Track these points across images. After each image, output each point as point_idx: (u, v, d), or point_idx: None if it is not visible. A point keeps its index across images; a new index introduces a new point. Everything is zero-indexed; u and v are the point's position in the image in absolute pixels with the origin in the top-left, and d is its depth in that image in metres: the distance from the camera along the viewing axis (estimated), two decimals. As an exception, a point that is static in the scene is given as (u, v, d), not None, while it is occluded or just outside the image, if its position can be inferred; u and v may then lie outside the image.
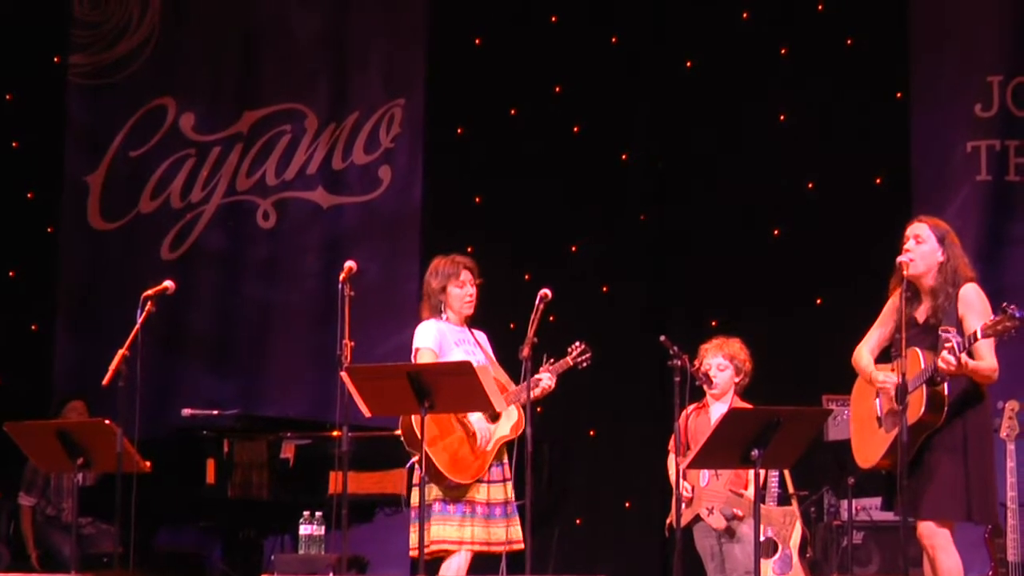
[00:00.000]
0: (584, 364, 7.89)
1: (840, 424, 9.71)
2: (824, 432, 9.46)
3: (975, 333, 6.89)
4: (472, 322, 7.85)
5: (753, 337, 8.73)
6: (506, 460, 7.66)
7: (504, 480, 7.65)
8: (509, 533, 7.58)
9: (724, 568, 8.43)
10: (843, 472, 8.59)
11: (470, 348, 7.71)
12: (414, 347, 7.71)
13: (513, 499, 7.63)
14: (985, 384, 7.12)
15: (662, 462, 8.70)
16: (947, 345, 6.94)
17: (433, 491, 7.51)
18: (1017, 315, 6.74)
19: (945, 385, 7.03)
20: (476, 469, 7.56)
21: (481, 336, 7.86)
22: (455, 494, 7.53)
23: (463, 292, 7.77)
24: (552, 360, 7.79)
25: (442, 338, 7.67)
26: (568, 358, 7.85)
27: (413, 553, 7.44)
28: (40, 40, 12.16)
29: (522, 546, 7.52)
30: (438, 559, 7.58)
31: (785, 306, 11.20)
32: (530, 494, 7.39)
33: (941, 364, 6.93)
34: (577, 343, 7.89)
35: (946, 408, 7.04)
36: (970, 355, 6.97)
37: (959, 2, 11.34)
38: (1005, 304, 6.81)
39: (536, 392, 7.62)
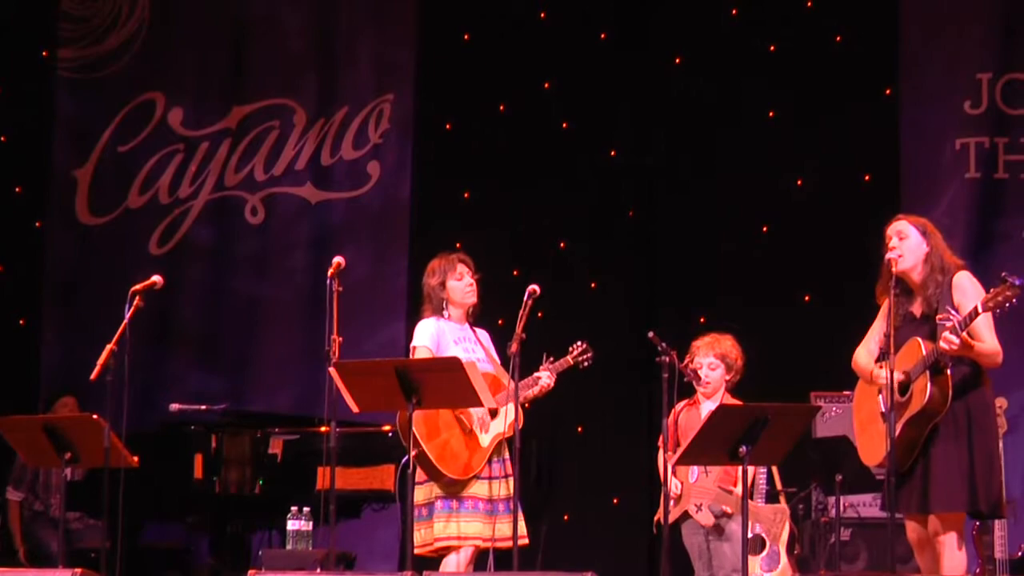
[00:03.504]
0: (586, 363, 7.92)
1: (828, 421, 9.72)
2: (812, 429, 9.45)
3: (976, 308, 6.86)
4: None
5: (741, 334, 8.71)
6: (507, 456, 7.65)
7: (506, 476, 7.62)
8: (501, 529, 7.55)
9: (711, 565, 8.41)
10: (831, 469, 8.57)
11: (470, 346, 7.71)
12: (411, 345, 7.73)
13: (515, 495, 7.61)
14: (988, 367, 7.11)
15: (650, 459, 8.69)
16: (947, 325, 6.91)
17: (434, 489, 7.51)
18: (1017, 283, 6.70)
19: (949, 371, 7.01)
20: (471, 466, 7.54)
21: (483, 334, 7.86)
22: (454, 491, 7.52)
23: (462, 284, 7.77)
24: (552, 359, 7.79)
25: (440, 336, 7.67)
26: (569, 357, 7.87)
27: (418, 551, 7.43)
28: (28, 34, 12.11)
29: (512, 543, 7.48)
30: (438, 557, 7.56)
31: (773, 303, 11.19)
32: (517, 491, 7.40)
33: (943, 345, 6.89)
34: (579, 342, 7.92)
35: (951, 395, 7.02)
36: (971, 335, 6.94)
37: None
38: (1004, 273, 6.78)
39: (535, 390, 7.66)
